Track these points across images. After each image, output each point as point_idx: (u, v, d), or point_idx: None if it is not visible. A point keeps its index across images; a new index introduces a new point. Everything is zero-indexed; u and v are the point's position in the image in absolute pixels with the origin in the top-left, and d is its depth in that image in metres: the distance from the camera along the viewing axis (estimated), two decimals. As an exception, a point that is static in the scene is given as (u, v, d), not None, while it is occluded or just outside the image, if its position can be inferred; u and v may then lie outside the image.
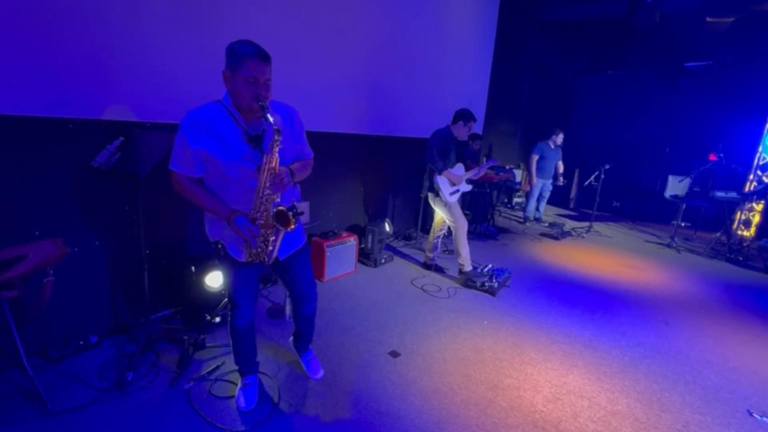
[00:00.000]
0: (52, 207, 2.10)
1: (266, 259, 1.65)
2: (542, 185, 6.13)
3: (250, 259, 1.66)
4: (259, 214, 1.56)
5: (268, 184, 1.52)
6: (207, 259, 2.61)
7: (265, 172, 1.50)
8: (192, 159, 1.51)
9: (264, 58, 1.45)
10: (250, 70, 1.42)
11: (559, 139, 5.94)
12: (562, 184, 6.28)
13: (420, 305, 3.16)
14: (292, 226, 1.54)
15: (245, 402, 1.90)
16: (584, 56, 7.92)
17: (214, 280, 2.50)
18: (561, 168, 6.17)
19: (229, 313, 1.84)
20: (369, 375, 2.23)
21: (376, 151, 4.40)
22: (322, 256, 3.40)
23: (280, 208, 1.52)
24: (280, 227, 1.55)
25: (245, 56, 1.41)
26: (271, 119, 1.45)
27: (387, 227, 4.06)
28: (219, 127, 1.50)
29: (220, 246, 1.70)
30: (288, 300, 2.78)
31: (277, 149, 1.49)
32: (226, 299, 2.52)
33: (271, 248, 1.63)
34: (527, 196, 6.34)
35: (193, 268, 2.55)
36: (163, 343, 2.37)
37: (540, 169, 6.03)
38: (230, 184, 1.57)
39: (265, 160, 1.50)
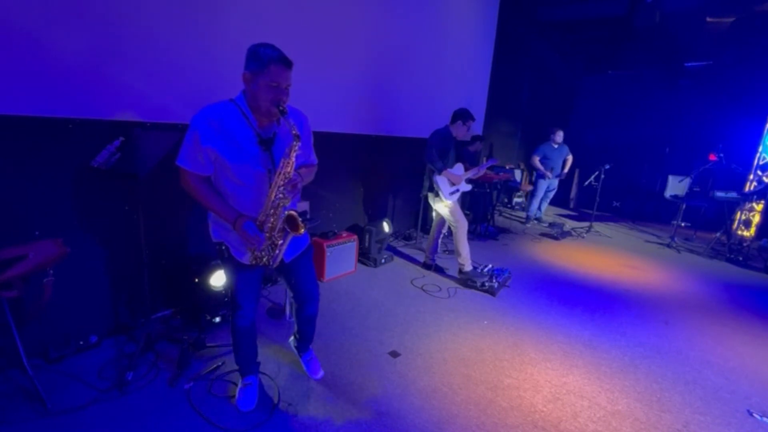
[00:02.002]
0: (52, 207, 2.10)
1: (271, 263, 1.65)
2: (547, 185, 6.11)
3: (253, 262, 1.65)
4: (268, 217, 1.55)
5: (282, 188, 1.51)
6: (207, 258, 2.61)
7: (281, 176, 1.50)
8: (202, 157, 1.50)
9: (288, 64, 1.45)
10: (274, 75, 1.43)
11: (558, 137, 5.93)
12: (562, 177, 6.15)
13: (420, 305, 3.16)
14: (302, 231, 1.54)
15: (245, 402, 1.90)
16: (584, 56, 7.92)
17: (218, 279, 2.50)
18: (569, 162, 6.09)
19: (232, 313, 1.84)
20: (369, 375, 2.23)
21: (376, 151, 4.40)
22: (322, 256, 3.40)
23: (291, 212, 1.52)
24: (290, 230, 1.55)
25: (270, 61, 1.42)
26: (293, 124, 1.46)
27: (386, 227, 4.05)
28: (231, 127, 1.49)
29: (223, 248, 1.70)
30: (288, 300, 2.78)
31: (294, 154, 1.50)
32: (227, 299, 2.53)
33: (277, 252, 1.63)
34: (531, 195, 6.31)
35: (193, 268, 2.55)
36: (163, 343, 2.37)
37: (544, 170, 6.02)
38: (238, 186, 1.57)
39: (282, 164, 1.50)
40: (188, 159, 1.52)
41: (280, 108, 1.45)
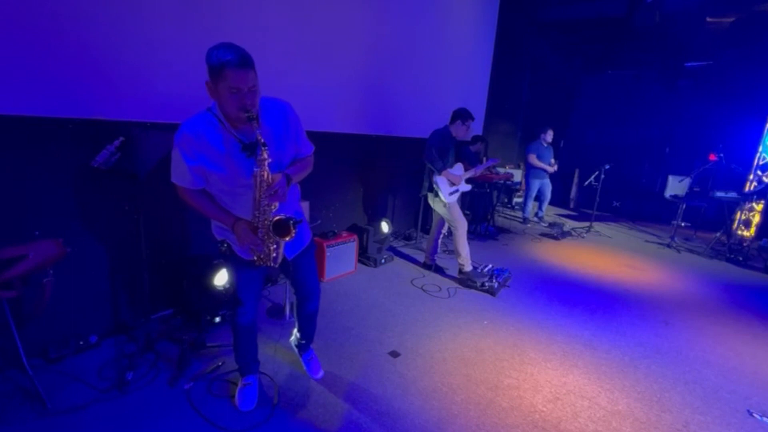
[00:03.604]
0: (52, 207, 2.10)
1: (272, 264, 1.65)
2: (540, 185, 6.13)
3: (257, 262, 1.65)
4: (259, 224, 1.54)
5: (264, 196, 1.48)
6: (207, 258, 2.61)
7: (258, 186, 1.46)
8: (190, 174, 1.50)
9: (244, 64, 1.32)
10: (231, 80, 1.32)
11: (549, 136, 5.98)
12: (554, 170, 6.11)
13: (420, 305, 3.16)
14: (288, 238, 1.53)
15: (245, 402, 1.90)
16: (584, 56, 7.92)
17: (219, 279, 2.49)
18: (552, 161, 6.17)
19: (233, 310, 1.85)
20: (369, 375, 2.24)
21: (376, 151, 4.40)
22: (322, 256, 3.40)
23: (278, 218, 1.51)
24: (279, 238, 1.54)
25: (223, 66, 1.30)
26: (258, 134, 1.37)
27: (385, 227, 4.05)
28: (211, 139, 1.46)
29: (226, 245, 1.70)
30: (288, 300, 2.78)
31: (266, 163, 1.43)
32: (228, 299, 2.53)
33: (274, 255, 1.62)
34: (525, 196, 6.34)
35: (193, 268, 2.55)
36: (163, 343, 2.37)
37: (537, 169, 6.04)
38: (231, 194, 1.57)
39: (255, 174, 1.45)
40: (179, 176, 1.53)
41: (247, 114, 1.36)
